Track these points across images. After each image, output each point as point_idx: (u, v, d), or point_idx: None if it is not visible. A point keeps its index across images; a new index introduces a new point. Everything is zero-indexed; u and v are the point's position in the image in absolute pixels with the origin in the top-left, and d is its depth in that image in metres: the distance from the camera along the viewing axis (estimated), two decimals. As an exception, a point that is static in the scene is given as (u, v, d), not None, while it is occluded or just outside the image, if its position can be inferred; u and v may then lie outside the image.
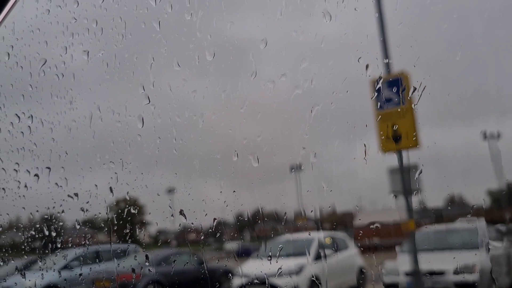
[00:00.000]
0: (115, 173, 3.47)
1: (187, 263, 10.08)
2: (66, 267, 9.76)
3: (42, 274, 9.15)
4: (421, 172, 6.23)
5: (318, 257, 7.92)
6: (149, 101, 3.16)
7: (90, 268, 9.64)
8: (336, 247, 8.74)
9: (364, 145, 2.73)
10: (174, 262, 9.78)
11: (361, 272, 9.05)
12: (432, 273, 6.11)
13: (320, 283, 7.73)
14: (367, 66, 2.96)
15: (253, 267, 7.90)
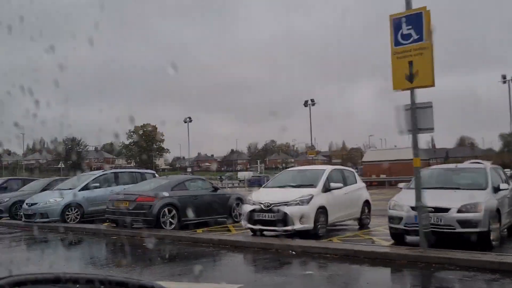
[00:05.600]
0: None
1: (201, 188, 10.40)
2: (86, 187, 10.21)
3: (63, 193, 9.65)
4: (432, 110, 6.23)
5: (326, 189, 8.13)
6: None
7: (110, 190, 10.09)
8: (345, 180, 8.94)
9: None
10: (188, 187, 10.09)
11: (367, 205, 9.33)
12: (437, 210, 6.24)
13: (327, 213, 8.05)
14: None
15: (264, 195, 8.19)
